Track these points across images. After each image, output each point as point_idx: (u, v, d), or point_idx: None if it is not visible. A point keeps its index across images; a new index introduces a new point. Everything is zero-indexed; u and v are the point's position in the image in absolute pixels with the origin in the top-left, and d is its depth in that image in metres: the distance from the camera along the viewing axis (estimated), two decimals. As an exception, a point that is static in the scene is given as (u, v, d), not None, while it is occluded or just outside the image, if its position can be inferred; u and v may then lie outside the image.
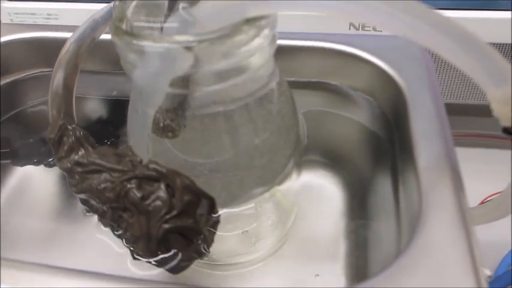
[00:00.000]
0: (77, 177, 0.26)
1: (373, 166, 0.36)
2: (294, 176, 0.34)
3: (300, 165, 0.36)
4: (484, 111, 0.24)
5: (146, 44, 0.22)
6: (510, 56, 0.44)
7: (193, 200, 0.25)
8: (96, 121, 0.42)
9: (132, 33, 0.23)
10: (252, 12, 0.23)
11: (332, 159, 0.40)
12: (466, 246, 0.23)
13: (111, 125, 0.41)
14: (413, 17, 0.21)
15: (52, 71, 0.30)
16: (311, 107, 0.38)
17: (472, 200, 0.39)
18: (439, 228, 0.23)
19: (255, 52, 0.25)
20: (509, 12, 0.45)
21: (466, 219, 0.24)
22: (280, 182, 0.31)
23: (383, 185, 0.33)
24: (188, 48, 0.22)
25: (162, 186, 0.25)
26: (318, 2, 0.21)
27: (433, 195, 0.25)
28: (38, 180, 0.41)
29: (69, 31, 0.39)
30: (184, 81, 0.24)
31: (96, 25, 0.30)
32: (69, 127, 0.27)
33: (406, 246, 0.22)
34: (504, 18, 0.44)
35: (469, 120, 0.44)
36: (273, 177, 0.31)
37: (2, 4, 0.55)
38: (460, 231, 0.23)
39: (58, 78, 0.28)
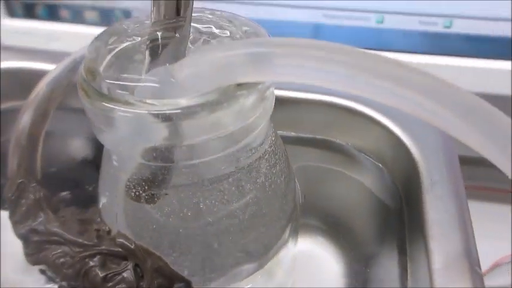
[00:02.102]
0: (32, 246, 0.23)
1: (379, 238, 0.32)
2: (290, 244, 0.30)
3: (297, 232, 0.32)
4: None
5: (116, 108, 0.19)
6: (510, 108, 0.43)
7: (165, 284, 0.22)
8: (80, 162, 0.39)
9: (101, 94, 0.20)
10: (245, 78, 0.19)
11: (332, 226, 0.36)
12: None
13: (95, 168, 0.37)
14: (428, 97, 0.17)
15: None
16: (311, 163, 0.35)
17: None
18: None
19: (249, 120, 0.21)
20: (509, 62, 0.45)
21: None
22: (273, 256, 0.28)
23: (388, 262, 0.30)
24: (165, 119, 0.19)
25: (130, 266, 0.22)
26: (330, 76, 0.18)
27: None
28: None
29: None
30: (161, 153, 0.20)
31: (75, 66, 0.27)
32: (29, 186, 0.24)
33: None
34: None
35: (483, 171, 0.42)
36: (265, 251, 0.27)
37: (4, 22, 0.57)
38: None
39: (23, 125, 0.25)
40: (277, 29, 0.46)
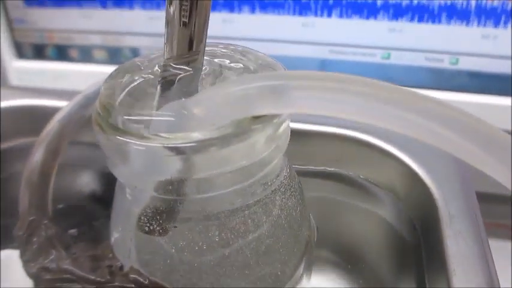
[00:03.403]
0: (43, 284, 0.22)
1: (396, 274, 0.31)
2: (304, 280, 0.29)
3: (311, 266, 0.31)
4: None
5: (132, 142, 0.19)
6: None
7: None
8: (87, 197, 0.38)
9: (116, 127, 0.20)
10: (263, 110, 0.19)
11: (347, 260, 0.35)
12: None
13: (103, 202, 0.37)
14: (449, 128, 0.17)
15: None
16: (325, 196, 0.35)
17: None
18: None
19: (263, 154, 0.21)
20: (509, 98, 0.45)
21: None
22: None
23: None
24: (179, 152, 0.19)
25: None
26: (347, 106, 0.18)
27: None
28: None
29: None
30: (175, 186, 0.20)
31: (88, 102, 0.27)
32: (40, 224, 0.23)
33: None
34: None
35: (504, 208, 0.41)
36: (279, 286, 0.26)
37: (12, 64, 0.58)
38: None
39: (34, 162, 0.25)
40: (285, 64, 0.47)
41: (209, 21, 0.21)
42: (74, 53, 0.57)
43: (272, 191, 0.24)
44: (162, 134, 0.19)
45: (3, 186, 0.37)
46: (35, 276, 0.23)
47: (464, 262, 0.23)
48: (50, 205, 0.25)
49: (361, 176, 0.33)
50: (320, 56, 0.49)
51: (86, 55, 0.57)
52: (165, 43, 0.21)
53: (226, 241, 0.23)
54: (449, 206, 0.26)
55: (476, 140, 0.18)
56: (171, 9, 0.19)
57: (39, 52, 0.58)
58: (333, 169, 0.34)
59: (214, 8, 0.50)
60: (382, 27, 0.46)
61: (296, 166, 0.33)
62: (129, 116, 0.20)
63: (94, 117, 0.20)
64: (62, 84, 0.57)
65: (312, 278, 0.34)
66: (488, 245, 0.25)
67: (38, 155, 0.25)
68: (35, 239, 0.23)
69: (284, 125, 0.22)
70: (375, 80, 0.19)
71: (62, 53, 0.58)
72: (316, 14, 0.47)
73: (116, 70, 0.23)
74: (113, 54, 0.56)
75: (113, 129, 0.20)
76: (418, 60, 0.47)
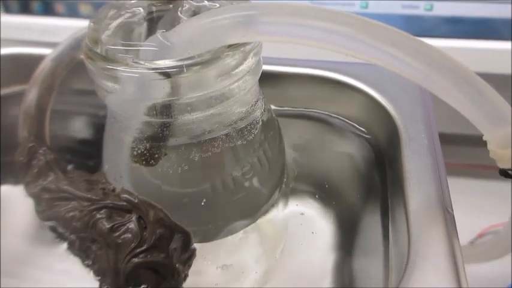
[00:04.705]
0: (43, 203, 0.25)
1: (364, 200, 0.34)
2: (280, 207, 0.32)
3: (287, 196, 0.34)
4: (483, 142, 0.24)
5: (120, 69, 0.21)
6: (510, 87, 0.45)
7: (166, 234, 0.24)
8: (79, 141, 0.40)
9: (106, 57, 0.22)
10: (234, 39, 0.21)
11: (322, 190, 0.38)
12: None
13: (94, 145, 0.39)
14: (405, 53, 0.20)
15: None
16: (302, 136, 0.37)
17: (470, 233, 0.38)
18: (427, 278, 0.21)
19: (238, 79, 0.23)
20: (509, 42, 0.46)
21: (458, 268, 0.22)
22: (263, 215, 0.30)
23: (373, 221, 0.32)
24: (165, 75, 0.21)
25: (134, 218, 0.24)
26: (307, 32, 0.20)
27: (423, 242, 0.23)
28: (14, 200, 0.40)
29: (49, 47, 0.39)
30: (162, 109, 0.23)
31: (78, 44, 0.29)
32: (39, 150, 0.26)
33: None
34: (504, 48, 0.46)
35: (469, 150, 0.43)
36: (254, 210, 0.29)
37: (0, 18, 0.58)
38: (449, 281, 0.21)
39: (31, 97, 0.27)
40: None
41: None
42: (60, 8, 0.57)
43: (251, 122, 0.27)
44: (146, 63, 0.21)
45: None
46: (35, 196, 0.25)
47: (418, 175, 0.26)
48: (47, 135, 0.27)
49: (337, 115, 0.36)
50: None
51: (71, 10, 0.57)
52: None
53: (209, 166, 0.26)
54: (409, 131, 0.29)
55: (443, 72, 0.20)
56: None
57: (25, 7, 0.58)
58: (308, 109, 0.36)
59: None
60: None
61: (273, 107, 0.35)
62: (117, 46, 0.22)
63: (84, 50, 0.23)
64: (48, 38, 0.54)
65: (293, 205, 0.37)
66: (443, 161, 0.27)
67: (34, 91, 0.27)
68: (34, 163, 0.25)
69: (255, 54, 0.24)
70: (341, 10, 0.21)
71: (48, 8, 0.58)
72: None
73: (103, 7, 0.25)
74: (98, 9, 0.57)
75: (101, 59, 0.22)
76: (395, 8, 0.48)
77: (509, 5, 0.45)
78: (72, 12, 0.57)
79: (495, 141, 0.22)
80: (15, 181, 0.39)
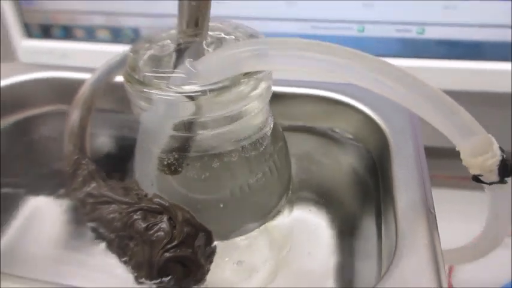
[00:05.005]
0: (88, 207, 0.29)
1: (361, 205, 0.39)
2: (286, 212, 0.36)
3: (292, 203, 0.38)
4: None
5: (154, 92, 0.26)
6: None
7: (192, 232, 0.28)
8: (105, 155, 0.45)
9: (142, 82, 0.26)
10: (249, 68, 0.26)
11: (323, 197, 0.42)
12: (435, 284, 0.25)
13: (119, 159, 0.44)
14: (389, 79, 0.24)
15: (65, 108, 0.34)
16: (305, 148, 0.41)
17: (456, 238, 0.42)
18: (411, 263, 0.26)
19: (252, 102, 0.28)
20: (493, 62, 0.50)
21: (436, 254, 0.26)
22: (273, 218, 0.34)
23: (369, 221, 0.36)
24: (190, 98, 0.25)
25: (165, 218, 0.28)
26: (307, 62, 0.25)
27: (409, 236, 0.27)
28: (48, 210, 0.44)
29: (80, 71, 0.43)
30: (187, 126, 0.27)
31: (111, 70, 0.33)
32: (82, 161, 0.30)
33: (378, 281, 0.25)
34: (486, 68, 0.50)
35: (452, 163, 0.47)
36: (265, 213, 0.33)
37: (21, 43, 0.60)
38: (430, 270, 0.26)
39: (74, 117, 0.31)
40: None
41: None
42: (79, 32, 0.60)
43: (262, 137, 0.31)
44: (176, 87, 0.26)
45: (34, 145, 0.44)
46: (81, 201, 0.30)
47: (406, 182, 0.30)
48: (88, 149, 0.32)
49: (335, 129, 0.41)
50: (304, 32, 0.53)
51: (90, 34, 0.59)
52: (178, 20, 0.27)
53: (226, 174, 0.30)
54: (398, 144, 0.34)
55: (420, 94, 0.25)
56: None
57: (46, 32, 0.61)
58: (310, 125, 0.41)
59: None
60: (357, 3, 0.50)
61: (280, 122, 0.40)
62: (151, 73, 0.27)
63: (124, 75, 0.27)
64: (68, 61, 0.59)
65: (297, 211, 0.41)
66: (427, 169, 0.32)
67: (76, 112, 0.32)
68: (79, 172, 0.30)
69: (267, 81, 0.29)
70: (336, 44, 0.25)
71: (68, 33, 0.60)
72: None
73: (138, 39, 0.30)
74: (115, 34, 0.59)
75: (139, 83, 0.27)
76: (389, 32, 0.51)
77: (491, 29, 0.49)
78: (90, 37, 0.60)
79: (466, 151, 0.25)
80: (48, 193, 0.44)
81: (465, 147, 0.25)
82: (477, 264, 0.36)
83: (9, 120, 0.43)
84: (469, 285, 0.44)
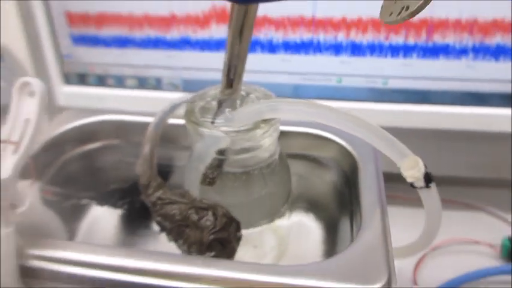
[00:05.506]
0: (157, 206, 0.41)
1: (339, 209, 0.48)
2: (287, 215, 0.45)
3: (291, 209, 0.48)
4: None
5: (205, 130, 0.39)
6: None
7: (228, 222, 0.37)
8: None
9: (197, 123, 0.39)
10: (266, 116, 0.39)
11: (313, 205, 0.53)
12: (384, 256, 0.33)
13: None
14: (351, 123, 0.36)
15: (117, 142, 0.49)
16: (299, 170, 0.52)
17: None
18: (367, 240, 0.35)
19: (267, 138, 0.40)
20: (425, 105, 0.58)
21: (386, 231, 0.35)
22: (279, 218, 0.45)
23: (344, 222, 0.46)
24: (227, 134, 0.38)
25: (210, 213, 0.37)
26: (303, 113, 0.39)
27: (369, 225, 0.37)
28: (107, 218, 0.55)
29: (128, 114, 0.54)
30: (224, 152, 0.40)
31: (165, 115, 0.46)
32: (153, 177, 0.44)
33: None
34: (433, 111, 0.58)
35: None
36: (273, 213, 0.44)
37: (62, 88, 0.68)
38: (381, 243, 0.34)
39: (146, 149, 0.44)
40: (270, 88, 0.49)
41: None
42: (110, 81, 0.68)
43: (272, 160, 0.43)
44: (220, 127, 0.39)
45: (98, 173, 0.57)
46: (153, 203, 0.42)
47: (369, 191, 0.41)
48: (155, 170, 0.45)
49: (320, 156, 0.51)
50: (295, 82, 0.62)
51: (119, 82, 0.68)
52: (222, 84, 0.40)
53: (248, 185, 0.43)
54: (364, 166, 0.45)
55: (369, 131, 0.36)
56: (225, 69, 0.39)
57: (82, 80, 0.68)
58: (302, 153, 0.52)
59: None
60: (336, 60, 0.59)
61: (283, 150, 0.47)
62: (203, 118, 0.40)
63: (185, 118, 0.40)
64: (101, 105, 0.67)
65: (294, 216, 0.54)
66: (384, 190, 0.41)
67: (147, 146, 0.44)
68: (151, 184, 0.43)
69: (276, 125, 0.41)
70: (323, 103, 0.38)
71: (101, 80, 0.68)
72: (292, 53, 0.60)
73: (194, 95, 0.42)
74: (142, 82, 0.67)
75: (195, 124, 0.39)
76: (361, 82, 0.60)
77: (437, 81, 0.58)
78: (120, 84, 0.68)
79: (402, 167, 0.34)
80: (108, 205, 0.56)
81: (402, 164, 0.34)
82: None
83: (78, 151, 0.54)
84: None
